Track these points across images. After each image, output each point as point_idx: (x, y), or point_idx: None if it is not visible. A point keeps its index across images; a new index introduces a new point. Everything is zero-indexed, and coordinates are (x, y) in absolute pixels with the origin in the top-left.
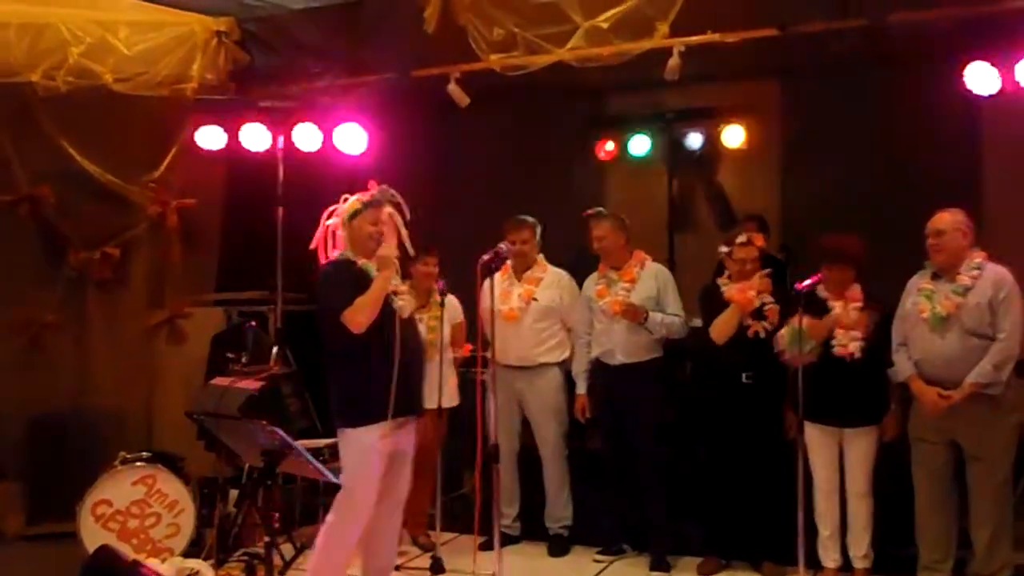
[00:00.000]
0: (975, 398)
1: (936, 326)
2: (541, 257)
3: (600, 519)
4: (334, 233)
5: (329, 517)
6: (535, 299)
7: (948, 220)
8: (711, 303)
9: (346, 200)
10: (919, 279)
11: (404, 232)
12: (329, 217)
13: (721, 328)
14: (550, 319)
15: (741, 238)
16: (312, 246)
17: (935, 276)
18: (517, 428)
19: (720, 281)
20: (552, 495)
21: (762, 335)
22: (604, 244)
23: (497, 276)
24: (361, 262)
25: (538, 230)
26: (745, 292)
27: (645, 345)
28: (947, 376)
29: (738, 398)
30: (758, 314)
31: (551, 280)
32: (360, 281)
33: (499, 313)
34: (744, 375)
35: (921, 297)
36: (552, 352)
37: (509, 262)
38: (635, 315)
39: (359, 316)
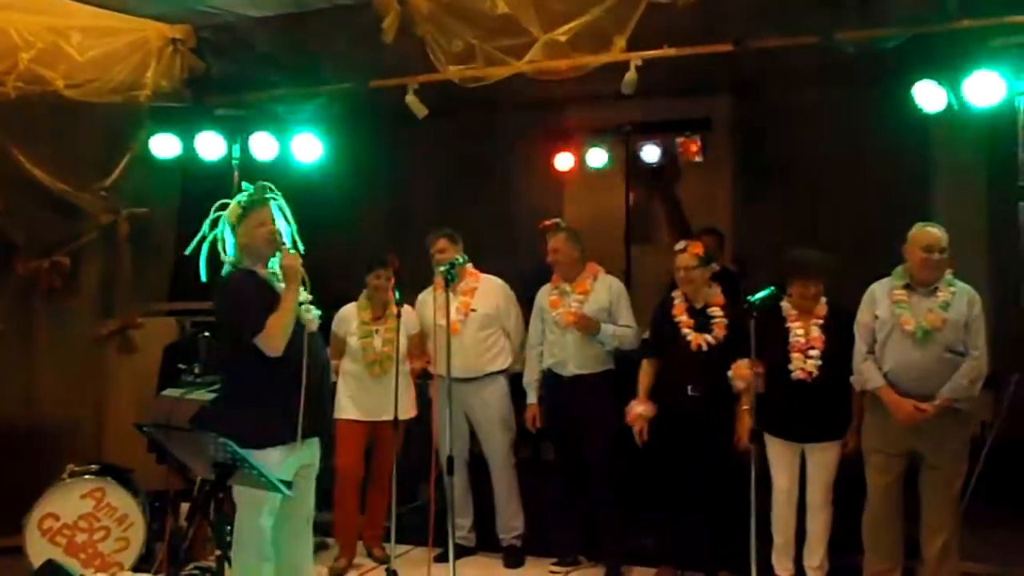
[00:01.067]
0: (943, 411)
1: (921, 339)
2: (470, 267)
3: (555, 530)
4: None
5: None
6: (473, 309)
7: (944, 238)
8: (659, 322)
9: (222, 206)
10: (887, 288)
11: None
12: (214, 226)
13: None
14: (491, 327)
15: (679, 245)
16: (188, 252)
17: (908, 286)
18: (467, 439)
19: (674, 293)
20: (502, 505)
21: (704, 348)
22: (558, 257)
23: (433, 292)
24: (261, 272)
25: (458, 239)
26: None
27: (597, 356)
28: (920, 389)
29: (685, 411)
30: (703, 326)
31: (486, 288)
32: (267, 295)
33: (441, 328)
34: (689, 388)
35: (900, 308)
36: (495, 360)
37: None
38: (587, 327)
39: (274, 341)
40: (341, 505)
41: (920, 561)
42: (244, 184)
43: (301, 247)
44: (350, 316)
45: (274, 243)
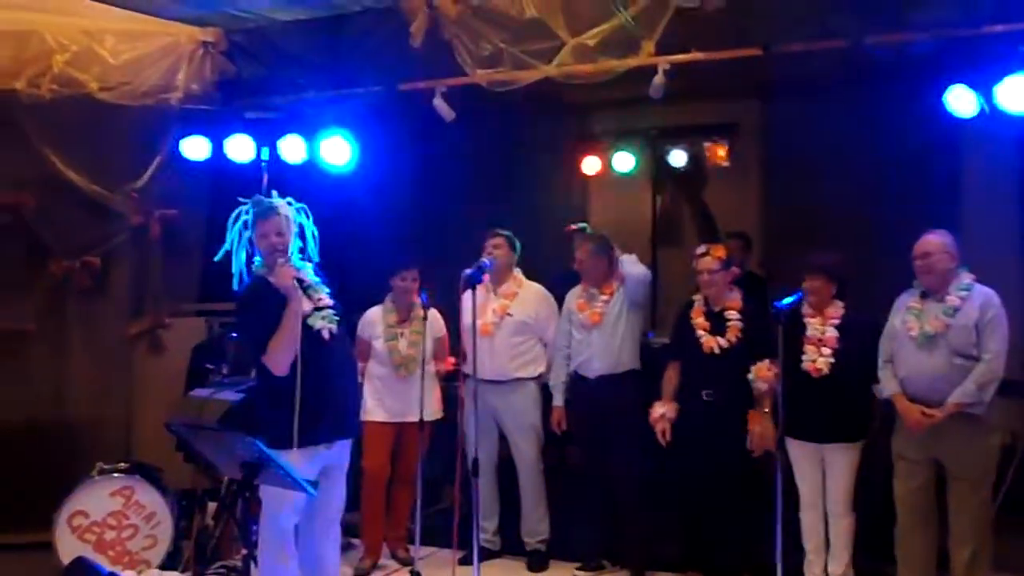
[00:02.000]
0: (958, 417)
1: (923, 344)
2: (517, 271)
3: (579, 534)
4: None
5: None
6: (509, 314)
7: (934, 243)
8: (679, 326)
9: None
10: (907, 298)
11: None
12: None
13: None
14: (525, 334)
15: (700, 249)
16: (217, 259)
17: (924, 295)
18: (495, 442)
19: (695, 297)
20: (528, 510)
21: (716, 351)
22: (584, 267)
23: (478, 290)
24: (273, 280)
25: (516, 244)
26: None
27: (623, 356)
28: (931, 395)
29: (700, 415)
30: (718, 329)
31: (527, 295)
32: (277, 306)
33: (469, 328)
34: (704, 392)
35: (910, 315)
36: (527, 367)
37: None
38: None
39: (278, 362)
40: (367, 506)
41: (951, 572)
42: (271, 193)
43: (315, 257)
44: (375, 319)
45: (273, 255)
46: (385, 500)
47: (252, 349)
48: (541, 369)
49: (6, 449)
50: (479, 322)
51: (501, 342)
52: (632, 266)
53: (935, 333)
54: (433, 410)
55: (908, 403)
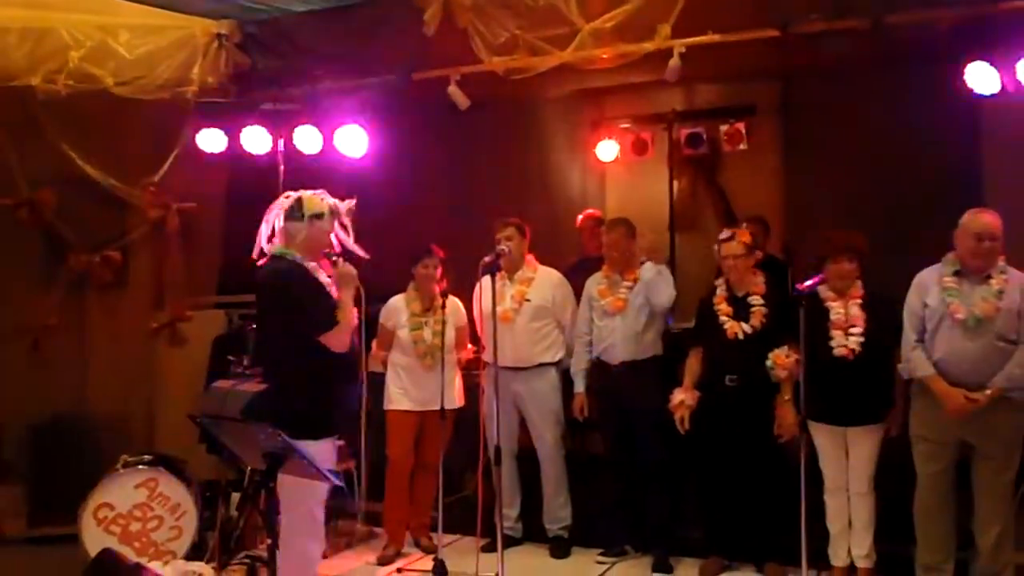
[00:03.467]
0: (993, 400)
1: (972, 328)
2: (530, 257)
3: (601, 521)
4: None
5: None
6: (527, 299)
7: (997, 225)
8: (703, 311)
9: (293, 196)
10: (938, 275)
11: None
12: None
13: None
14: (544, 319)
15: (724, 234)
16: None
17: (958, 273)
18: (516, 429)
19: (717, 282)
20: (550, 496)
21: (741, 336)
22: (614, 253)
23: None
24: (311, 266)
25: (525, 231)
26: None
27: (645, 342)
28: (971, 378)
29: (724, 400)
30: (742, 315)
31: (543, 280)
32: (324, 291)
33: (489, 316)
34: (727, 377)
35: (950, 296)
36: (548, 351)
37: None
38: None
39: (344, 338)
40: (390, 494)
41: (974, 552)
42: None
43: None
44: (399, 307)
45: (326, 252)
46: (409, 489)
47: (299, 329)
48: (561, 353)
49: (31, 443)
50: (498, 309)
51: (521, 328)
52: (650, 273)
53: (984, 317)
54: (455, 398)
55: (949, 387)
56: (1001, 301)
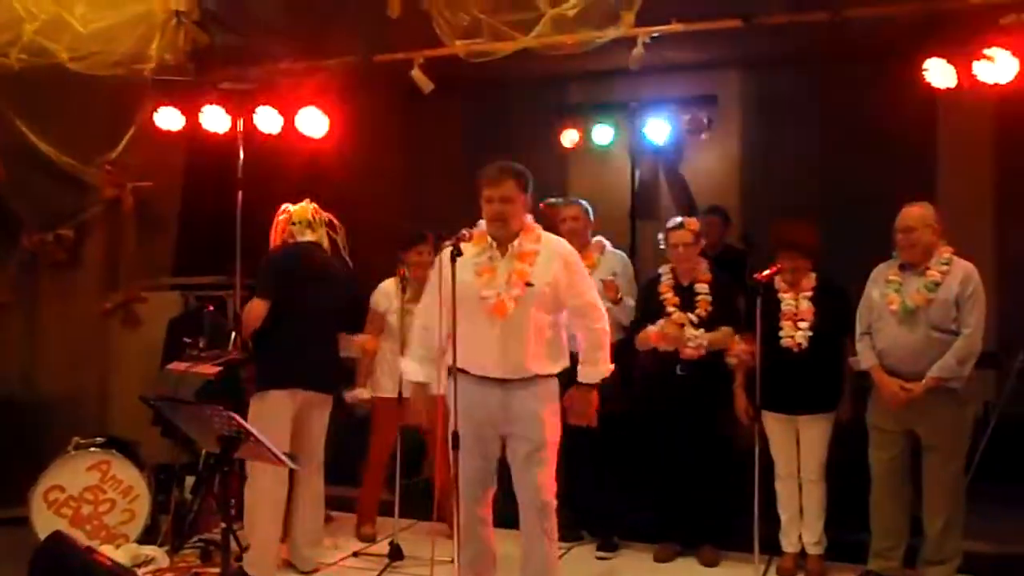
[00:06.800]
0: (934, 390)
1: (904, 318)
2: (530, 218)
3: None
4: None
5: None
6: (530, 284)
7: (917, 216)
8: (647, 299)
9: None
10: (886, 269)
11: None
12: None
13: (640, 342)
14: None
15: (673, 221)
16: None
17: (903, 267)
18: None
19: (661, 270)
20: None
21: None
22: (575, 226)
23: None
24: None
25: (527, 182)
26: (665, 337)
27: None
28: (910, 368)
29: (674, 390)
30: (687, 304)
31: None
32: None
33: (482, 303)
34: (678, 367)
35: (889, 288)
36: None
37: (485, 228)
38: (613, 291)
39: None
40: (371, 476)
41: (923, 540)
42: None
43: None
44: (390, 292)
45: None
46: (386, 475)
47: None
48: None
49: None
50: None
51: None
52: (622, 312)
53: (916, 307)
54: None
55: (886, 376)
56: (935, 293)
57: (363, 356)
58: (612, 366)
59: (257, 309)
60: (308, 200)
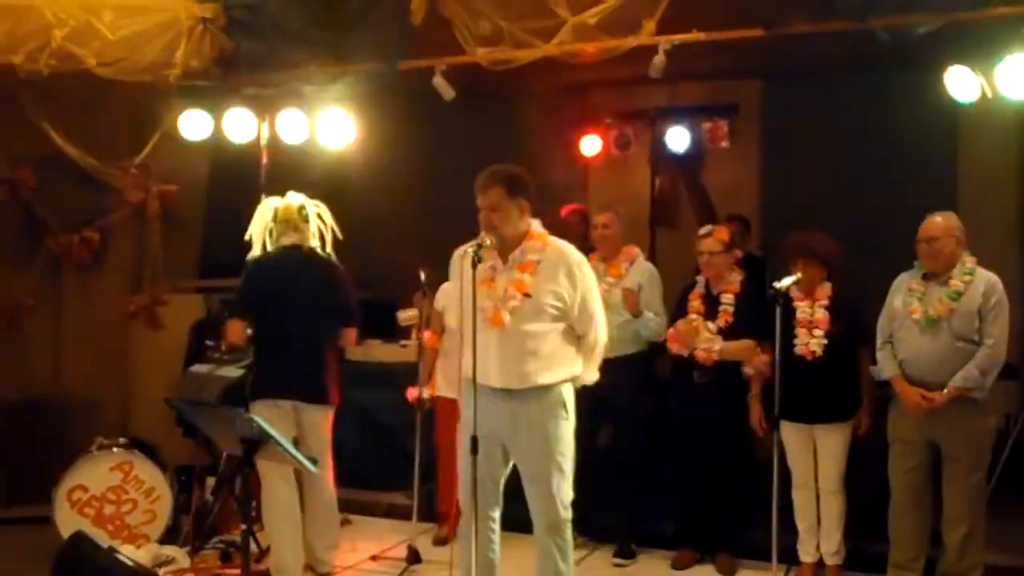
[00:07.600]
0: (956, 401)
1: (926, 327)
2: (536, 224)
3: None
4: None
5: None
6: (528, 295)
7: (941, 226)
8: (677, 305)
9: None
10: (908, 278)
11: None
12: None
13: (670, 341)
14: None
15: (704, 229)
16: None
17: (926, 276)
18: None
19: (699, 278)
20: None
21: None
22: (607, 232)
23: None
24: None
25: (520, 186)
26: (678, 335)
27: (628, 339)
28: (932, 378)
29: (692, 396)
30: (711, 313)
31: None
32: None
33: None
34: (696, 374)
35: (912, 298)
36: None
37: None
38: (634, 303)
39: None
40: (445, 480)
41: (942, 551)
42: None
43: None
44: (451, 292)
45: None
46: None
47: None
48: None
49: (4, 424)
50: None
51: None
52: (646, 326)
53: (938, 317)
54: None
55: (908, 386)
56: (958, 302)
57: (425, 355)
58: (597, 376)
59: (233, 327)
60: (293, 191)
